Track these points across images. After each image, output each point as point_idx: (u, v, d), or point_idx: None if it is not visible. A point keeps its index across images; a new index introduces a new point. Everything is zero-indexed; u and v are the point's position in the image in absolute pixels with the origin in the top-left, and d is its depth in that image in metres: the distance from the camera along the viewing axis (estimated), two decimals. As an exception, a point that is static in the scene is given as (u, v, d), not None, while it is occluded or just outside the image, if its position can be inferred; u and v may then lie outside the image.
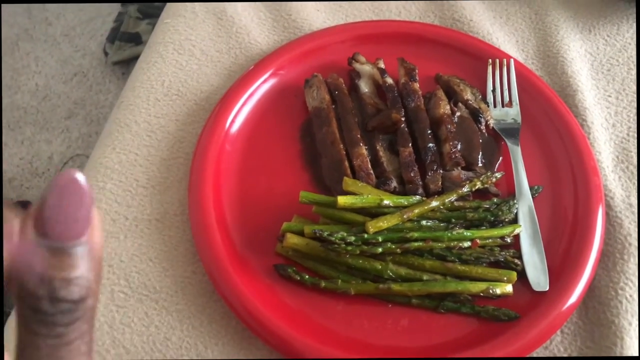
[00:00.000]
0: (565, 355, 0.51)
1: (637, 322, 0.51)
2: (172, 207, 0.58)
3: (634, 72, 0.68)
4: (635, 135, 0.63)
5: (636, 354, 0.50)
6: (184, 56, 0.68)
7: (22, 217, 0.19)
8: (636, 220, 0.57)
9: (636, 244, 0.55)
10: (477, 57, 0.67)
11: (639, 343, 0.50)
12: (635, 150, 0.62)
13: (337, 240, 0.51)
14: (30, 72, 1.66)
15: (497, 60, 0.66)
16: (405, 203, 0.55)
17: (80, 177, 0.20)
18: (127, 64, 1.62)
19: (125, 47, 1.61)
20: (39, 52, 1.70)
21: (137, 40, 1.60)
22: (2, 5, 1.76)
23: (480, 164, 0.60)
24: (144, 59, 0.69)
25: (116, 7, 1.76)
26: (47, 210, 0.19)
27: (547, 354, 0.51)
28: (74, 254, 0.19)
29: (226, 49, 0.69)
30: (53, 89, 1.63)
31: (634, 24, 0.72)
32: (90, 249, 0.19)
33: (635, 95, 0.66)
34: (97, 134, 1.53)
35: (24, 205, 1.42)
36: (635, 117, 0.64)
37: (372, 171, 0.58)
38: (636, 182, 0.59)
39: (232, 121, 0.61)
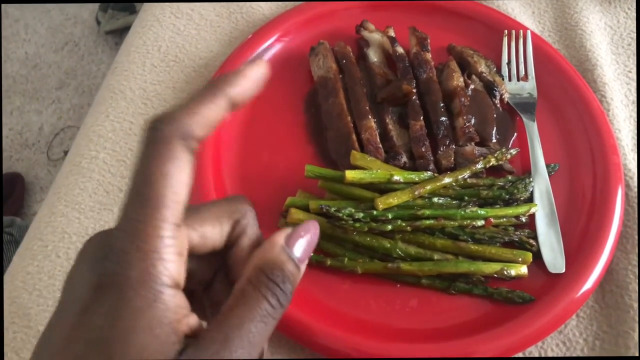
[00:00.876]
0: (580, 340, 0.49)
1: (656, 307, 0.49)
2: (169, 179, 0.55)
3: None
4: (656, 112, 0.60)
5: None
6: (181, 20, 0.64)
7: (287, 235, 0.29)
8: (656, 201, 0.54)
9: (655, 226, 0.53)
10: (492, 28, 0.64)
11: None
12: (656, 129, 0.59)
13: (344, 217, 0.48)
14: (19, 40, 1.61)
15: (513, 32, 0.63)
16: (416, 179, 0.52)
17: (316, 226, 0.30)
18: (120, 34, 1.57)
19: (119, 16, 1.55)
20: (28, 20, 1.64)
21: (130, 9, 1.55)
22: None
23: (494, 140, 0.57)
24: (139, 22, 0.65)
25: (109, -25, 1.70)
26: (301, 240, 0.29)
27: (561, 338, 0.49)
28: (301, 269, 0.29)
29: (227, 13, 0.65)
30: (43, 57, 1.57)
31: (656, -3, 0.68)
32: None
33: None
34: (89, 105, 1.48)
35: (14, 178, 1.38)
36: (656, 94, 0.61)
37: (380, 145, 0.55)
38: (656, 162, 0.57)
39: (233, 90, 0.58)
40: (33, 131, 1.47)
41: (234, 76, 0.28)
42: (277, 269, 0.27)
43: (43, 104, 1.50)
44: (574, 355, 0.48)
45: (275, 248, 0.28)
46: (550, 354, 0.48)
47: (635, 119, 0.60)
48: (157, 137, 0.25)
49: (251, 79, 0.29)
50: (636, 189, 0.55)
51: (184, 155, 0.26)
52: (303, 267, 0.29)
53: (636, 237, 0.52)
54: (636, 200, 0.54)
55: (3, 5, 1.65)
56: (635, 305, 0.49)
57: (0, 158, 1.40)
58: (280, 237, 0.29)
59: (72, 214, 0.53)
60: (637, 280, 0.50)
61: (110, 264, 0.24)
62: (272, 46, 0.61)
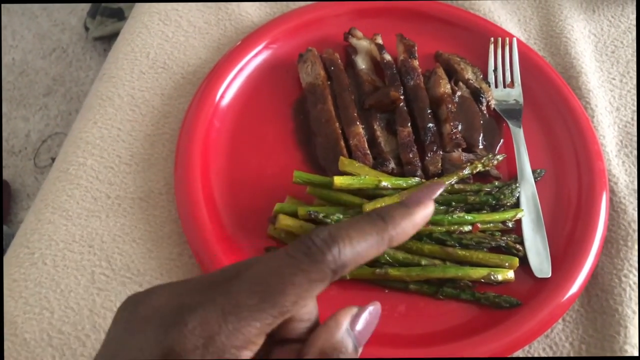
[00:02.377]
0: (566, 344, 0.49)
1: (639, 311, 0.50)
2: (157, 185, 0.55)
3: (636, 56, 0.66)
4: None
5: (639, 342, 0.48)
6: (170, 27, 0.64)
7: (353, 316, 0.28)
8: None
9: (640, 230, 0.53)
10: (479, 35, 0.64)
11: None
12: (639, 135, 0.60)
13: (332, 223, 0.48)
14: (6, 46, 1.60)
15: (499, 39, 0.63)
16: (404, 185, 0.52)
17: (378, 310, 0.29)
18: (109, 40, 1.57)
19: (107, 23, 1.55)
20: (15, 26, 1.63)
21: (119, 15, 1.55)
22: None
23: (481, 146, 0.57)
24: (127, 29, 0.65)
25: (97, -19, 1.70)
26: (362, 324, 0.28)
27: (548, 342, 0.50)
28: (358, 352, 0.28)
29: (215, 20, 0.66)
30: (31, 64, 1.56)
31: None
32: None
33: None
34: (76, 112, 1.47)
35: (0, 185, 1.37)
36: None
37: (369, 151, 0.55)
38: (640, 167, 0.58)
39: (221, 96, 0.58)
40: (20, 138, 1.46)
41: (400, 214, 0.28)
42: (340, 352, 0.27)
43: (30, 110, 1.49)
44: (561, 359, 0.49)
45: (339, 330, 0.27)
46: (537, 358, 0.49)
47: (619, 125, 0.61)
48: (317, 259, 0.25)
49: (418, 224, 0.29)
50: (620, 194, 0.56)
51: (325, 285, 0.26)
52: (361, 350, 0.28)
53: (621, 241, 0.53)
54: (620, 205, 0.55)
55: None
56: (620, 309, 0.50)
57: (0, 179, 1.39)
58: (345, 318, 0.28)
59: (60, 221, 0.52)
60: (621, 285, 0.51)
61: (189, 344, 0.23)
62: (261, 53, 0.61)
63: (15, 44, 1.60)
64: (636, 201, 0.55)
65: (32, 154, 1.43)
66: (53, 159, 1.42)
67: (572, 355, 0.49)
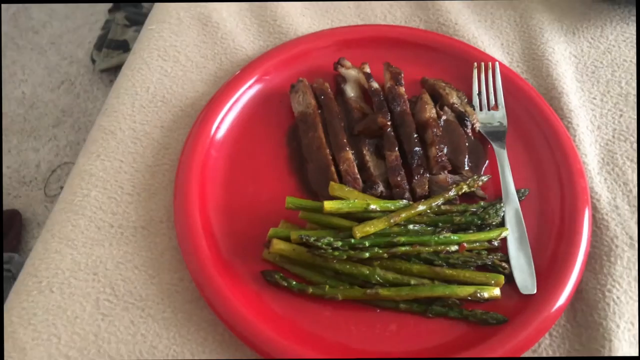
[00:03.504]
0: (554, 358, 0.51)
1: (624, 324, 0.51)
2: (158, 214, 0.57)
3: (618, 74, 0.68)
4: (621, 137, 0.63)
5: (623, 355, 0.50)
6: (168, 62, 0.68)
7: None
8: (622, 222, 0.57)
9: (623, 246, 0.55)
10: (463, 61, 0.67)
11: (639, 343, 0.50)
12: (620, 152, 0.62)
13: (324, 246, 0.51)
14: (16, 81, 1.65)
15: (483, 64, 0.66)
16: (392, 207, 0.54)
17: None
18: (115, 71, 1.61)
19: (113, 55, 1.60)
20: (25, 61, 1.69)
21: (124, 47, 1.60)
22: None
23: (466, 168, 0.60)
24: (128, 65, 0.68)
25: (103, 15, 1.76)
26: None
27: (535, 357, 0.51)
28: None
29: (211, 55, 0.69)
30: (40, 97, 1.61)
31: (618, 26, 0.72)
32: None
33: (619, 97, 0.66)
34: (84, 142, 1.52)
35: (12, 215, 1.40)
36: (621, 119, 0.64)
37: (358, 176, 0.58)
38: (622, 184, 0.60)
39: (218, 127, 0.61)
40: (30, 168, 1.50)
41: None
42: None
43: (40, 141, 1.54)
44: (548, 372, 0.50)
45: None
46: (524, 372, 0.50)
47: (600, 144, 0.63)
48: None
49: None
50: (602, 211, 0.57)
51: None
52: None
53: (604, 257, 0.55)
54: (603, 222, 0.57)
55: (1, 49, 1.70)
56: (605, 323, 0.51)
57: (1, 196, 1.43)
58: None
59: (66, 250, 0.55)
60: (605, 300, 0.52)
61: None
62: (254, 85, 0.64)
63: (25, 78, 1.65)
64: (618, 217, 0.57)
65: (42, 184, 1.47)
66: (62, 188, 1.45)
67: (558, 368, 0.51)
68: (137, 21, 1.64)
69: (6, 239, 1.37)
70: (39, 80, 1.65)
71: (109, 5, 1.74)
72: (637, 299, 0.52)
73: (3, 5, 1.77)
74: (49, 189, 1.47)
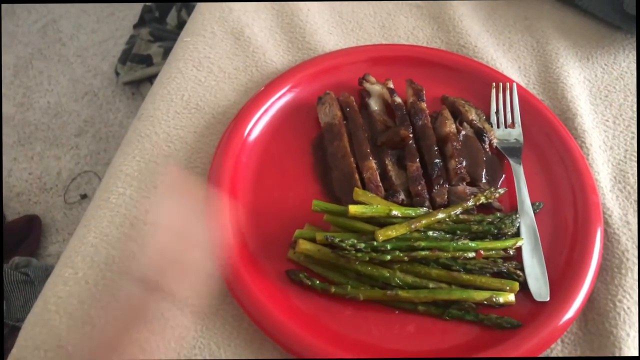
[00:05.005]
0: (565, 363, 0.53)
1: (635, 333, 0.53)
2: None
3: (630, 98, 0.71)
4: (632, 157, 0.66)
5: (633, 363, 0.52)
6: (202, 72, 0.71)
7: None
8: (633, 237, 0.59)
9: (634, 259, 0.57)
10: (482, 81, 0.70)
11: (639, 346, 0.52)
12: (632, 172, 0.65)
13: (347, 247, 0.53)
14: (42, 90, 1.70)
15: (501, 84, 0.69)
16: (413, 214, 0.57)
17: None
18: (137, 85, 1.67)
19: (137, 68, 1.65)
20: (52, 72, 1.75)
21: (148, 61, 1.65)
22: (17, 26, 1.80)
23: (484, 180, 0.62)
24: (164, 74, 0.72)
25: (128, 30, 1.82)
26: None
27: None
28: None
29: (243, 67, 0.73)
30: (64, 107, 1.66)
31: (630, 54, 0.75)
32: None
33: (631, 121, 0.69)
34: (105, 152, 1.56)
35: (31, 220, 1.44)
36: (632, 141, 0.67)
37: (380, 184, 0.60)
38: (633, 201, 0.62)
39: (248, 134, 0.64)
40: (51, 176, 1.53)
41: None
42: None
43: (62, 150, 1.58)
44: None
45: None
46: (537, 376, 0.52)
47: (613, 163, 0.66)
48: None
49: None
50: (614, 226, 0.60)
51: None
52: None
53: (615, 269, 0.57)
54: (614, 236, 0.59)
55: (29, 59, 1.75)
56: (615, 331, 0.53)
57: (1, 198, 1.46)
58: None
59: (101, 245, 0.58)
60: (616, 309, 0.54)
61: None
62: (284, 96, 0.68)
63: (51, 88, 1.70)
64: (629, 232, 0.59)
65: (62, 191, 1.51)
66: (82, 196, 1.49)
67: (570, 373, 0.52)
68: (161, 37, 1.69)
69: (25, 243, 1.40)
70: (63, 90, 1.70)
71: (134, 20, 1.80)
72: (646, 310, 0.55)
73: (33, 18, 1.83)
74: (68, 196, 1.50)
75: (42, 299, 0.56)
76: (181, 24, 1.68)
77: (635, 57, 0.75)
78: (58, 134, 1.61)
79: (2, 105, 1.64)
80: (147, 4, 1.80)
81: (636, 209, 0.62)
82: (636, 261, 0.57)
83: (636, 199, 0.62)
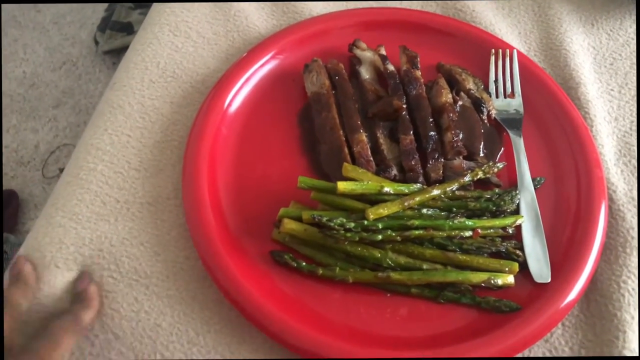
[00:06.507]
0: (566, 348, 0.50)
1: (639, 316, 0.50)
2: (165, 190, 0.56)
3: (636, 66, 0.67)
4: (638, 129, 0.62)
5: (637, 347, 0.49)
6: (179, 38, 0.66)
7: None
8: (638, 213, 0.56)
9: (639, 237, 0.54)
10: (480, 47, 0.66)
11: (640, 339, 0.50)
12: (638, 144, 0.61)
13: (336, 226, 0.50)
14: (17, 60, 1.63)
15: (500, 51, 0.65)
16: (406, 191, 0.53)
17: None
18: (118, 54, 1.59)
19: (117, 37, 1.58)
20: (27, 40, 1.67)
21: (129, 29, 1.58)
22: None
23: (482, 154, 0.59)
24: (138, 40, 0.67)
25: (108, -4, 1.74)
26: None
27: (547, 346, 0.50)
28: None
29: (223, 31, 0.68)
30: (41, 77, 1.59)
31: (637, 20, 0.71)
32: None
33: (637, 90, 0.65)
34: (85, 124, 1.49)
35: (8, 195, 1.38)
36: (638, 112, 0.64)
37: (372, 158, 0.57)
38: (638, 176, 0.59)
39: (229, 105, 0.60)
40: (29, 149, 1.48)
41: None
42: None
43: (40, 122, 1.52)
44: (560, 363, 0.50)
45: None
46: (537, 362, 0.50)
47: (618, 135, 0.62)
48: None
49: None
50: (619, 202, 0.57)
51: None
52: None
53: (619, 248, 0.54)
54: (619, 213, 0.56)
55: (2, 26, 1.68)
56: (619, 314, 0.50)
57: (0, 176, 1.42)
58: None
59: (70, 224, 0.54)
60: (620, 291, 0.52)
61: None
62: (267, 63, 0.63)
63: (27, 58, 1.63)
64: (634, 209, 0.56)
65: (41, 165, 1.45)
66: (61, 170, 1.44)
67: (571, 359, 0.50)
68: (142, 4, 1.62)
69: (2, 219, 1.35)
70: (40, 60, 1.62)
71: (114, -13, 1.72)
72: (652, 291, 0.52)
73: (5, -17, 1.74)
74: (47, 170, 1.45)
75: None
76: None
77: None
78: (35, 106, 1.54)
79: (-26, 75, 1.57)
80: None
81: (642, 184, 0.58)
82: (642, 240, 0.54)
83: (642, 173, 0.59)
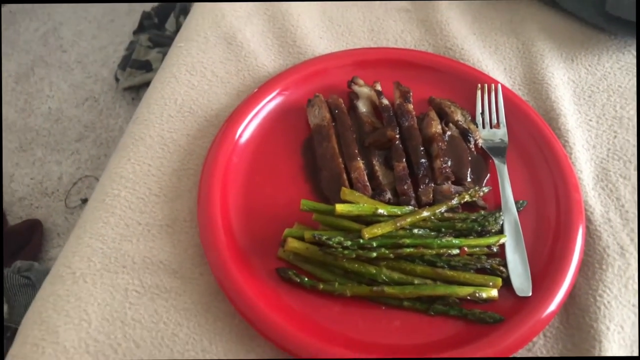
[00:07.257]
0: (547, 357, 0.54)
1: (614, 327, 0.55)
2: (182, 213, 0.62)
3: (613, 98, 0.73)
4: (614, 156, 0.67)
5: (613, 355, 0.53)
6: (195, 77, 0.73)
7: None
8: (614, 233, 0.61)
9: (614, 255, 0.59)
10: (468, 82, 0.72)
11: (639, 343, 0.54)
12: (614, 170, 0.66)
13: (334, 244, 0.55)
14: (43, 97, 1.73)
15: (486, 85, 0.71)
16: (399, 212, 0.59)
17: None
18: (137, 90, 1.69)
19: (136, 74, 1.67)
20: (53, 78, 1.77)
21: (147, 67, 1.67)
22: (18, 33, 1.83)
23: (469, 179, 0.64)
24: (158, 79, 0.74)
25: (128, 36, 1.84)
26: None
27: (530, 355, 0.55)
28: None
29: (235, 71, 0.74)
30: (65, 112, 1.69)
31: (614, 55, 0.77)
32: None
33: (614, 120, 0.71)
34: (106, 156, 1.58)
35: (33, 225, 1.45)
36: (615, 140, 0.69)
37: (368, 183, 0.62)
38: (614, 199, 0.64)
39: (240, 136, 0.66)
40: (53, 180, 1.56)
41: None
42: None
43: (63, 155, 1.60)
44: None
45: None
46: (519, 368, 0.54)
47: (595, 162, 0.67)
48: None
49: None
50: (596, 223, 0.61)
51: None
52: None
53: (596, 264, 0.59)
54: (596, 233, 0.61)
55: (31, 65, 1.78)
56: (595, 325, 0.55)
57: (2, 202, 1.48)
58: None
59: (96, 244, 0.60)
60: (596, 304, 0.56)
61: None
62: (274, 99, 0.70)
63: (52, 94, 1.73)
64: (610, 229, 0.61)
65: (64, 196, 1.53)
66: (82, 200, 1.51)
67: (551, 365, 0.54)
68: (160, 43, 1.72)
69: (27, 247, 1.42)
70: (64, 96, 1.72)
71: (134, 27, 1.83)
72: (626, 304, 0.56)
73: (34, 26, 1.86)
74: (69, 200, 1.52)
75: (40, 298, 0.58)
76: (180, 30, 1.70)
77: (618, 59, 0.77)
78: (59, 139, 1.63)
79: (1, 111, 1.67)
80: (147, 10, 1.82)
81: (617, 206, 0.63)
82: (616, 257, 0.59)
83: (618, 196, 0.64)
